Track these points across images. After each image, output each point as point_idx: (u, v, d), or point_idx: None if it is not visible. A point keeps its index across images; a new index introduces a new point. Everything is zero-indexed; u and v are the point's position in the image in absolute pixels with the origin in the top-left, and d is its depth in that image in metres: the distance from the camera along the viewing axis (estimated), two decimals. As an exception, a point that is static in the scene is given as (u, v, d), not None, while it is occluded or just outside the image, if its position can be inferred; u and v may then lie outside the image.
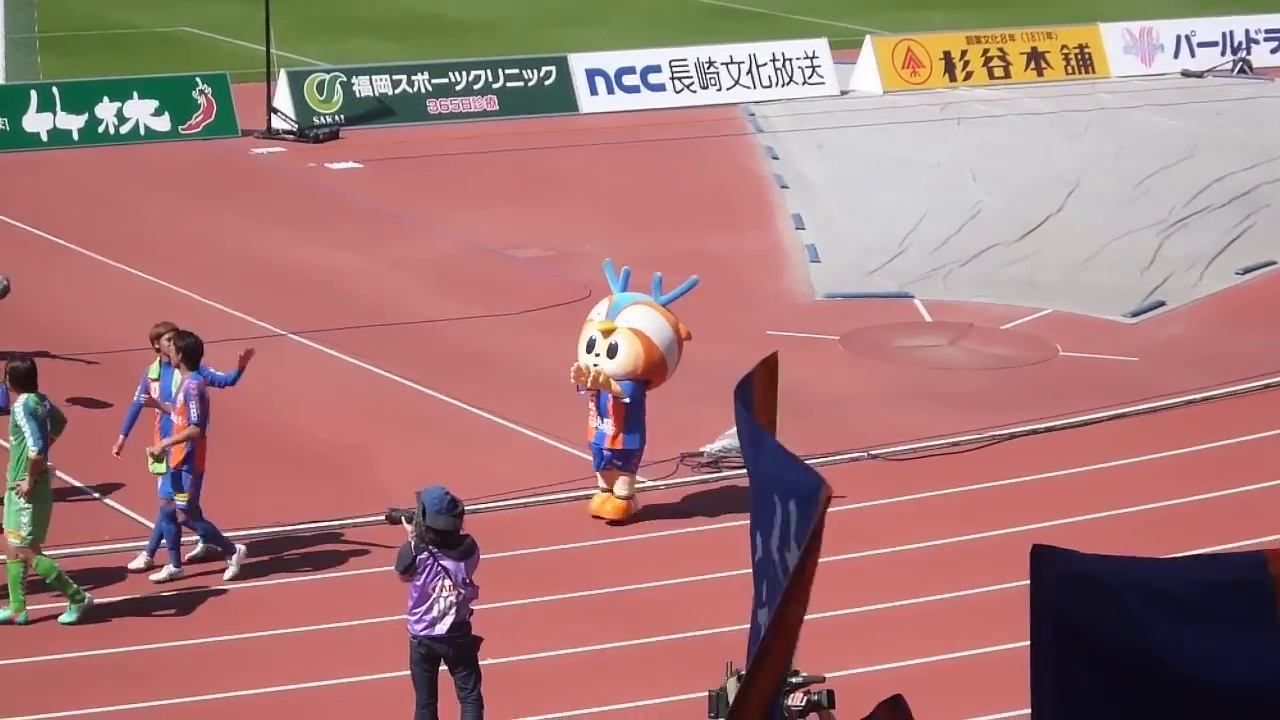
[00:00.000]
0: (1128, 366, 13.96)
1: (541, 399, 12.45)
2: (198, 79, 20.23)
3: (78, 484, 11.22)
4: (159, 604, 10.03)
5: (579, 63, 21.80)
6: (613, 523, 11.03)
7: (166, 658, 9.48)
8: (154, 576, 10.24)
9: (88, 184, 18.41)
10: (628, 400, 10.92)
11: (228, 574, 10.26)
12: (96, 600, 9.91)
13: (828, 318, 14.96)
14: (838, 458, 11.97)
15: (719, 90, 22.19)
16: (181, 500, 10.14)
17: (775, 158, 19.84)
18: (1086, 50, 23.87)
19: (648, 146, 20.40)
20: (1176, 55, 24.21)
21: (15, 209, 17.30)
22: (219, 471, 10.93)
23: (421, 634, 8.30)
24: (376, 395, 13.09)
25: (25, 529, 9.69)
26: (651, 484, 11.61)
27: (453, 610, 8.26)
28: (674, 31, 24.87)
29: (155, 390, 10.26)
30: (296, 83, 20.58)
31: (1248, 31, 24.63)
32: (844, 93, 22.71)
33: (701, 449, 11.97)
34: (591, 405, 11.06)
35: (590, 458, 11.24)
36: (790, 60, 22.59)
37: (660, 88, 22.00)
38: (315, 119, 20.49)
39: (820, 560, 2.83)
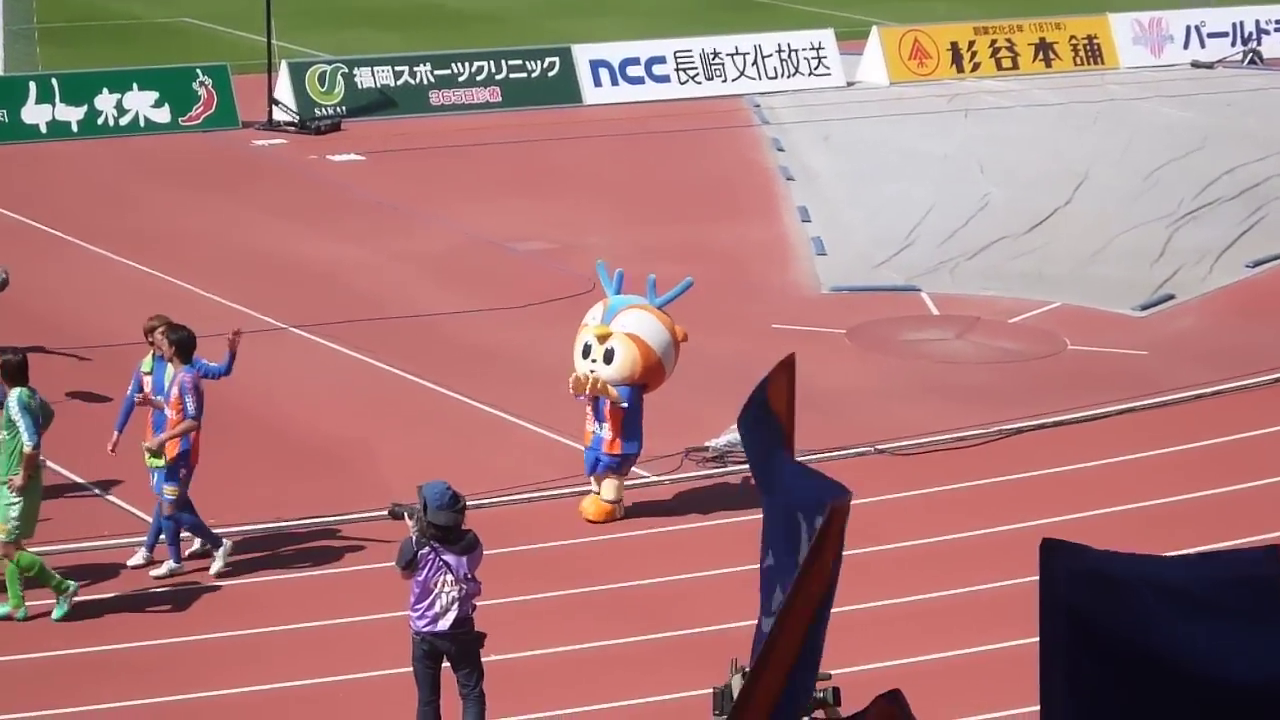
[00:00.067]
0: (1137, 360, 13.91)
1: (544, 393, 12.36)
2: (198, 70, 20.15)
3: (77, 479, 11.17)
4: (159, 600, 9.99)
5: (583, 54, 21.70)
6: (592, 522, 10.98)
7: (167, 654, 9.43)
8: (153, 572, 10.19)
9: (87, 176, 18.34)
10: (625, 405, 10.86)
11: (214, 568, 10.21)
12: (96, 597, 9.87)
13: (834, 311, 14.89)
14: (844, 452, 11.87)
15: (724, 81, 22.09)
16: (170, 494, 10.07)
17: (781, 149, 19.75)
18: (1095, 41, 23.74)
19: (652, 138, 20.31)
20: (1186, 46, 24.09)
21: (14, 201, 17.25)
22: (219, 465, 10.88)
23: (424, 630, 8.26)
24: (378, 389, 13.03)
25: (13, 523, 9.63)
26: (656, 479, 11.56)
27: (455, 606, 8.22)
28: (679, 22, 24.76)
29: (148, 384, 10.21)
30: (298, 74, 20.48)
31: (1258, 22, 24.49)
32: (850, 84, 22.60)
33: (707, 443, 11.91)
34: (589, 410, 11.00)
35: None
36: (796, 51, 22.48)
37: (665, 79, 21.89)
38: (316, 110, 20.40)
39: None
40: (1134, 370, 13.65)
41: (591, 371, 10.87)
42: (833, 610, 2.78)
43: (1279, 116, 21.42)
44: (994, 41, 23.37)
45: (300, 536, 10.72)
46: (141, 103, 19.76)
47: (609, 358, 10.88)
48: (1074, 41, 23.65)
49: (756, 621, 3.17)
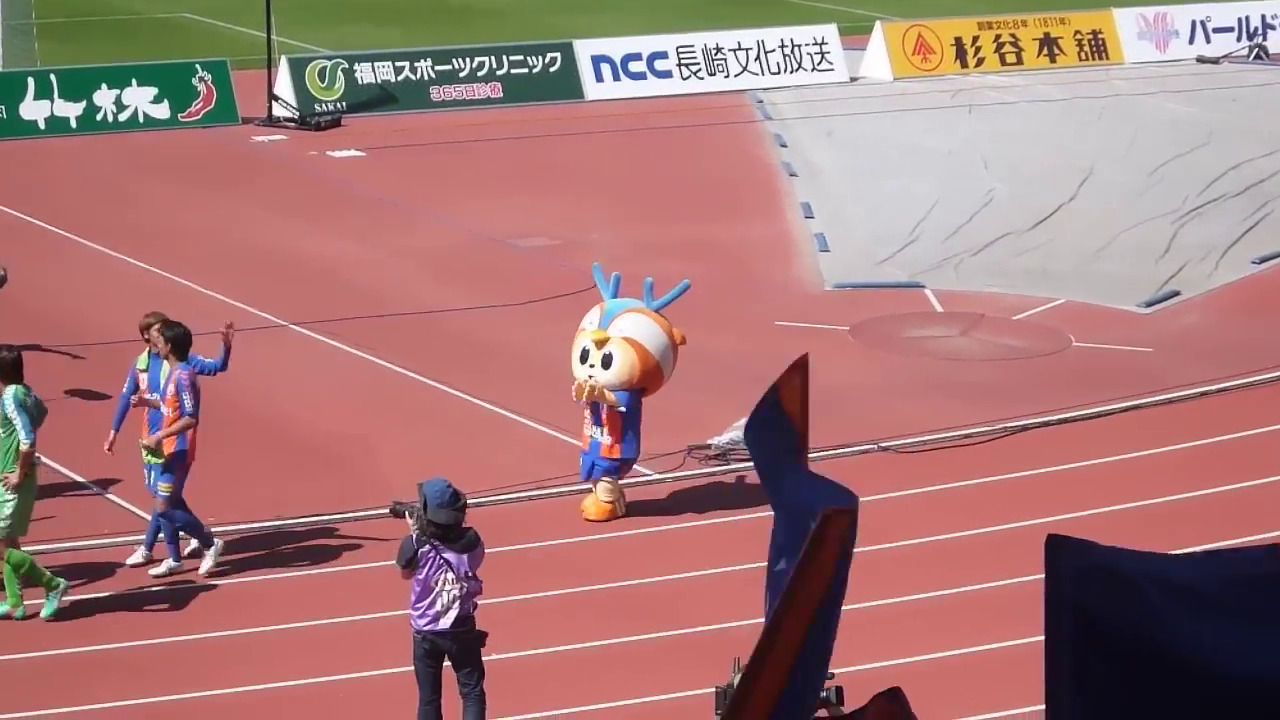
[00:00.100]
0: (1142, 357, 13.86)
1: (546, 390, 12.29)
2: (197, 66, 20.09)
3: (77, 478, 11.13)
4: (158, 598, 9.95)
5: (584, 49, 21.62)
6: (593, 521, 10.96)
7: (165, 653, 9.40)
8: (153, 571, 10.16)
9: (86, 173, 18.29)
10: (624, 410, 10.82)
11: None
12: (95, 596, 9.83)
13: (837, 308, 14.85)
14: (847, 450, 11.80)
15: (727, 77, 22.01)
16: (165, 490, 10.02)
17: (784, 145, 19.69)
18: (1100, 36, 23.66)
19: (654, 134, 20.26)
20: (1191, 41, 24.01)
21: (12, 198, 17.20)
22: (219, 464, 10.86)
23: (425, 629, 8.23)
24: (378, 386, 12.99)
25: (6, 521, 9.59)
26: (658, 477, 11.52)
27: (456, 604, 8.19)
28: (681, 17, 24.68)
29: (144, 381, 10.18)
30: (298, 69, 20.41)
31: (1264, 17, 24.40)
32: (854, 79, 22.54)
33: (709, 441, 11.87)
34: (587, 414, 10.96)
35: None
36: (799, 47, 22.39)
37: (667, 74, 21.82)
38: (317, 106, 20.34)
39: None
40: (1139, 367, 13.61)
41: (590, 377, 10.84)
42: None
43: (1285, 112, 21.36)
44: (998, 37, 23.29)
45: (300, 535, 10.69)
46: (140, 98, 19.70)
47: (607, 363, 10.83)
48: (1079, 36, 23.57)
49: (764, 623, 3.11)
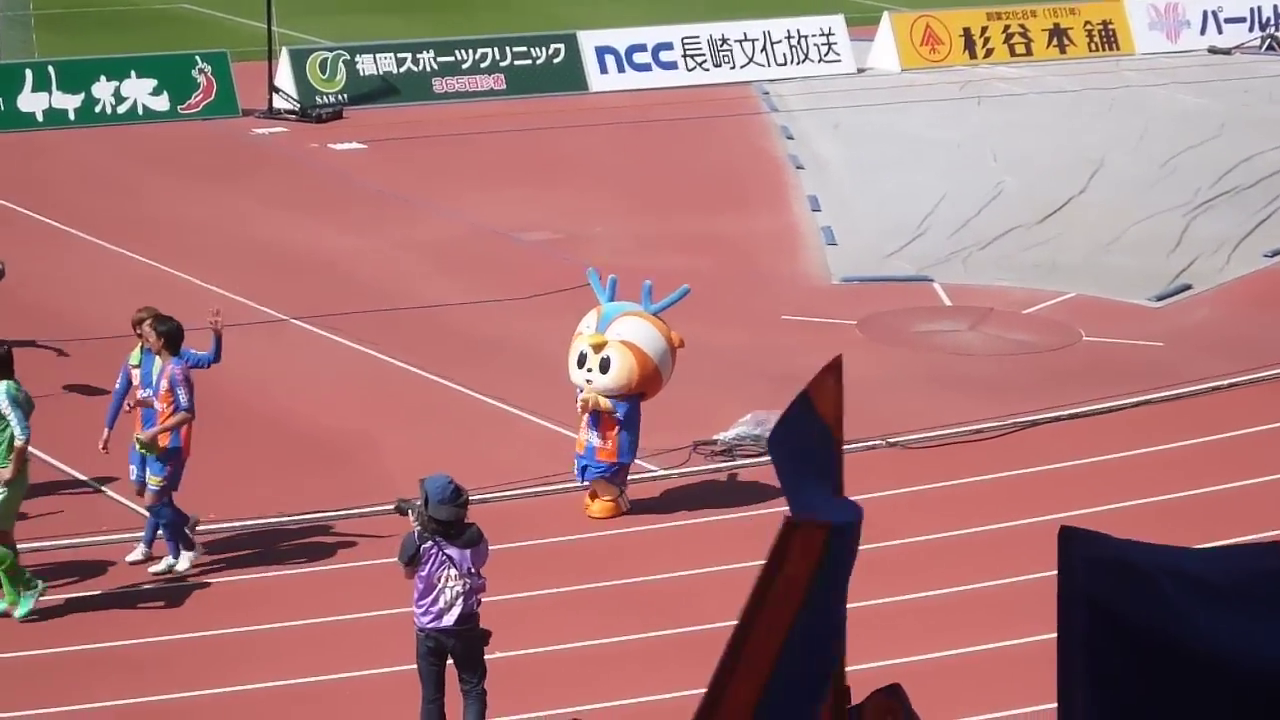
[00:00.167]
0: (1153, 352, 13.79)
1: (549, 386, 12.18)
2: (197, 57, 19.98)
3: (77, 475, 11.07)
4: (157, 596, 9.90)
5: (589, 40, 21.49)
6: (598, 518, 10.90)
7: (166, 651, 9.33)
8: (152, 568, 10.11)
9: (84, 165, 18.23)
10: (621, 418, 10.73)
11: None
12: (94, 593, 9.78)
13: (844, 302, 14.76)
14: (855, 445, 11.67)
15: (732, 68, 21.87)
16: (155, 484, 9.94)
17: (790, 138, 19.59)
18: (1110, 26, 23.50)
19: (659, 126, 20.15)
20: (1203, 31, 23.84)
21: (10, 191, 17.15)
22: (219, 460, 10.81)
23: (428, 626, 8.18)
24: (380, 381, 12.93)
25: (-7, 515, 9.48)
26: (664, 472, 11.46)
27: (459, 601, 8.15)
28: (686, 8, 24.53)
29: (136, 377, 10.12)
30: (298, 61, 20.29)
31: (1276, 8, 24.23)
32: (861, 71, 22.41)
33: (715, 437, 11.80)
34: (585, 417, 10.87)
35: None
36: (806, 38, 22.25)
37: (672, 66, 21.68)
38: (318, 98, 20.22)
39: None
40: (1150, 362, 13.53)
41: (588, 382, 10.76)
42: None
43: (1297, 103, 21.20)
44: (1007, 27, 23.13)
45: (301, 531, 10.64)
46: (140, 90, 19.59)
47: (605, 367, 10.75)
48: (1089, 27, 23.41)
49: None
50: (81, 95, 19.35)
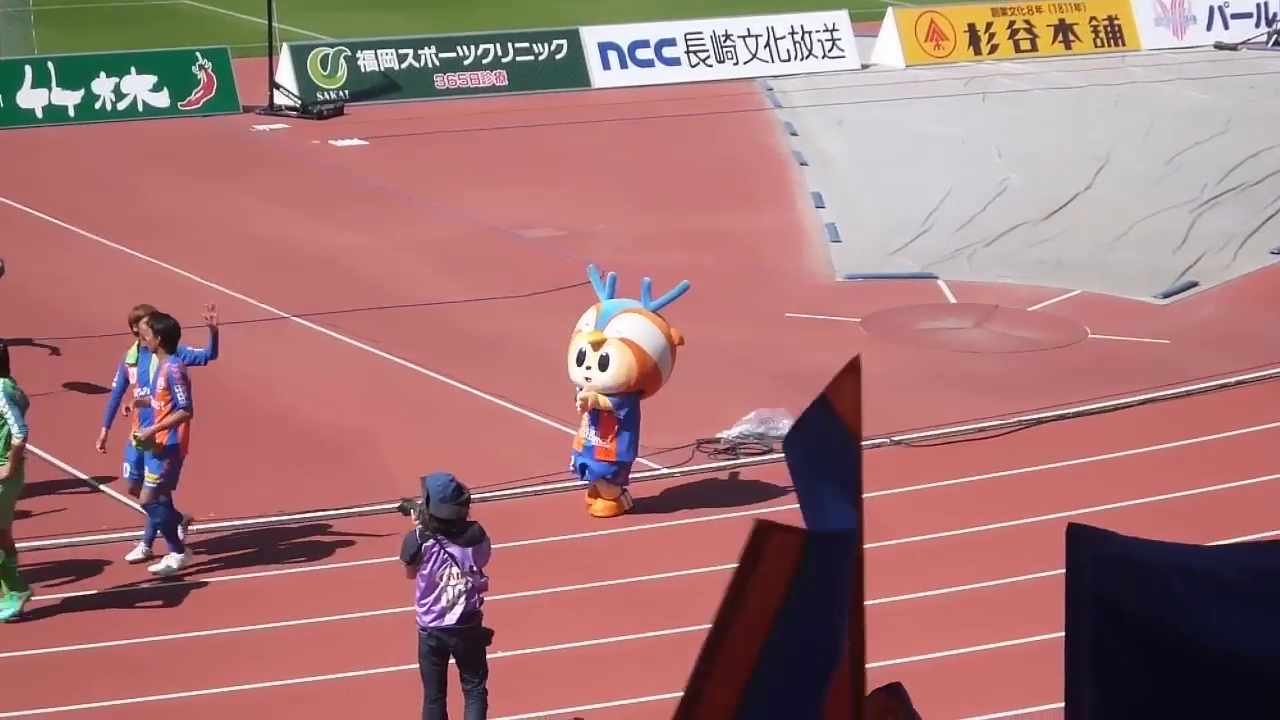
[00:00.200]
0: (1159, 349, 13.74)
1: (551, 383, 12.12)
2: (197, 53, 19.91)
3: (78, 474, 11.04)
4: (157, 595, 9.85)
5: (591, 36, 21.41)
6: (600, 517, 10.85)
7: (166, 650, 9.29)
8: (152, 567, 10.06)
9: (84, 162, 18.18)
10: (619, 416, 10.66)
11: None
12: (94, 592, 9.73)
13: (848, 299, 14.70)
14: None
15: (736, 64, 21.79)
16: (152, 480, 9.90)
17: (794, 134, 19.53)
18: (1116, 22, 23.40)
19: (662, 122, 20.08)
20: (1209, 27, 23.75)
21: (9, 188, 17.11)
22: (219, 458, 10.77)
23: (430, 625, 8.15)
24: (381, 379, 12.89)
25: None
26: (666, 471, 11.41)
27: (462, 599, 8.11)
28: (689, 3, 24.46)
29: (134, 375, 10.07)
30: (299, 57, 20.22)
31: (1282, 2, 24.09)
32: (865, 66, 22.34)
33: (718, 435, 11.73)
34: (585, 415, 10.80)
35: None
36: (809, 33, 22.16)
37: (675, 61, 21.60)
38: (319, 95, 20.15)
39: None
40: (1156, 359, 13.48)
41: (587, 379, 10.70)
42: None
43: (1303, 99, 21.11)
44: (1012, 23, 23.04)
45: (302, 530, 10.60)
46: (140, 87, 19.52)
47: (604, 364, 10.68)
48: (1094, 23, 23.32)
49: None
50: (81, 92, 19.29)
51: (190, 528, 10.19)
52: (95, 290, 14.45)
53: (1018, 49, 23.02)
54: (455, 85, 20.83)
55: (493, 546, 8.38)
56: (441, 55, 20.89)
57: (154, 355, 9.89)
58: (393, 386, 12.71)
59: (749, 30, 22.03)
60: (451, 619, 8.08)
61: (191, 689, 8.88)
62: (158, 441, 9.86)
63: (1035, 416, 12.30)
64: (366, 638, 9.27)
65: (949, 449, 11.79)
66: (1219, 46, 23.61)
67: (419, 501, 8.15)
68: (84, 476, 10.98)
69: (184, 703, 8.78)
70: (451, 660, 8.23)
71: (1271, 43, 23.73)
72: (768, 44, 22.01)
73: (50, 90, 19.21)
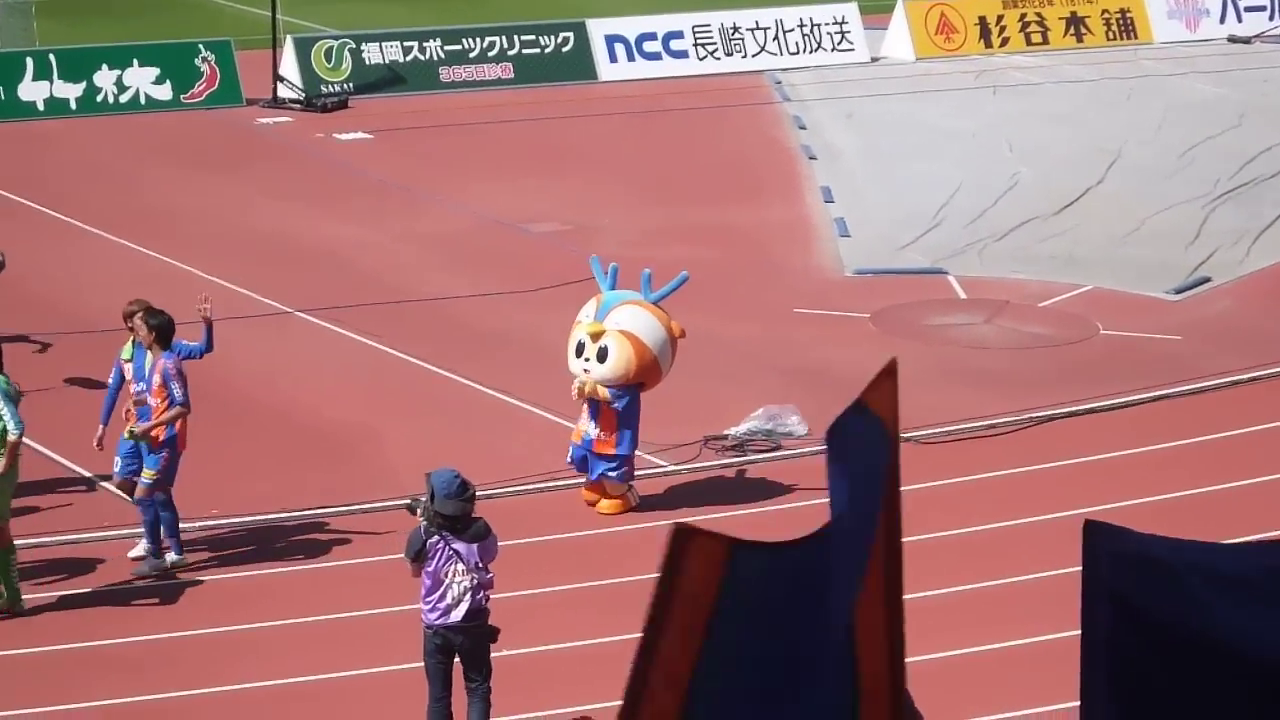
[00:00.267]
0: (1171, 345, 13.65)
1: (556, 379, 12.00)
2: (200, 46, 19.85)
3: (80, 471, 10.97)
4: (157, 593, 9.77)
5: (598, 28, 21.30)
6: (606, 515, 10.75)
7: (166, 648, 9.22)
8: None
9: (86, 156, 18.13)
10: (618, 408, 10.54)
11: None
12: (94, 589, 9.65)
13: (858, 294, 14.61)
14: (868, 441, 11.42)
15: (744, 57, 21.67)
16: (149, 477, 9.80)
17: (803, 127, 19.42)
18: (1128, 15, 23.26)
19: (670, 116, 19.99)
20: (1222, 20, 23.62)
21: (11, 181, 17.07)
22: (221, 454, 10.69)
23: (436, 623, 8.07)
24: (385, 374, 12.82)
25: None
26: (673, 468, 11.32)
27: (467, 597, 8.04)
28: (697, -3, 24.29)
29: (129, 371, 9.98)
30: (303, 50, 20.13)
31: (1296, -5, 23.94)
32: (875, 60, 22.24)
33: (726, 431, 11.63)
34: (585, 407, 10.68)
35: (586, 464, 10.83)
36: (819, 26, 22.03)
37: (683, 54, 21.48)
38: (323, 87, 20.07)
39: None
40: (1168, 355, 13.39)
41: (585, 371, 10.58)
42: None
43: (1317, 93, 20.96)
44: (1023, 16, 22.91)
45: (305, 527, 10.52)
46: (142, 79, 19.44)
47: (603, 356, 10.57)
48: (1106, 16, 23.18)
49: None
50: (83, 84, 19.23)
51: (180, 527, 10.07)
52: (96, 284, 14.38)
53: (1029, 42, 22.88)
54: (460, 78, 20.72)
55: (499, 544, 8.30)
56: (447, 48, 20.78)
57: (149, 351, 9.80)
58: (397, 382, 12.64)
59: (757, 23, 21.90)
60: (457, 616, 8.01)
61: (192, 687, 8.81)
62: (153, 436, 9.77)
63: (1046, 413, 12.21)
64: (369, 636, 9.20)
65: (960, 446, 11.70)
66: (1232, 39, 23.47)
67: (424, 499, 8.08)
68: (84, 473, 10.92)
69: (184, 701, 8.71)
70: (456, 659, 8.15)
71: (1285, 36, 23.59)
72: (776, 36, 21.88)
73: (52, 83, 19.14)
